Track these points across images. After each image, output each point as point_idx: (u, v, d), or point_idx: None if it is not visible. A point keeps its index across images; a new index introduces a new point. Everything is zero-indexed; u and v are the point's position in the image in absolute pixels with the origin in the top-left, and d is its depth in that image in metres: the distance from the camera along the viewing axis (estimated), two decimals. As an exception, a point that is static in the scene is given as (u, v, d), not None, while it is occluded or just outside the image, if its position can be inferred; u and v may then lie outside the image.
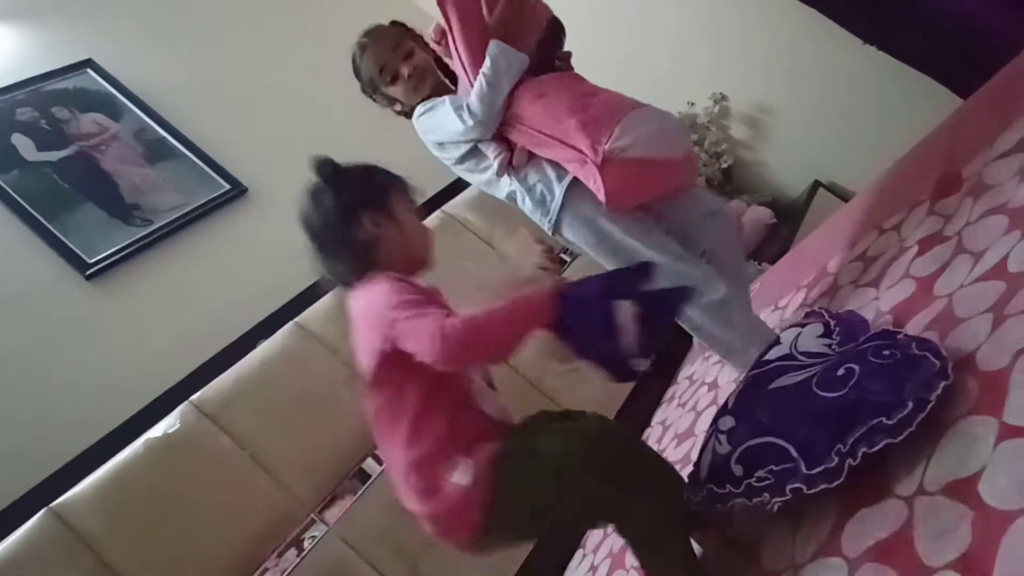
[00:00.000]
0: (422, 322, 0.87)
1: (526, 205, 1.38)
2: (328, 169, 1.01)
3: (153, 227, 2.10)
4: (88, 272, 1.93)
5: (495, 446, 0.92)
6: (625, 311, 0.88)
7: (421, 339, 0.87)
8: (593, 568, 1.51)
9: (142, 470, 1.59)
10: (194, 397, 1.76)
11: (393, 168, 1.08)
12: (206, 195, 2.24)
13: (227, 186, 2.28)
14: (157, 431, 1.67)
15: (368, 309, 0.94)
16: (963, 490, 0.70)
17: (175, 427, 1.68)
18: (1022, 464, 0.67)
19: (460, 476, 0.90)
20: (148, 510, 1.54)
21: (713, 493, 0.92)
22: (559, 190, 1.32)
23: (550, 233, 1.39)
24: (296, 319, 2.01)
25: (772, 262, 2.39)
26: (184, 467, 1.63)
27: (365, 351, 0.94)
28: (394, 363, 0.91)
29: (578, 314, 0.89)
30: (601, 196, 1.27)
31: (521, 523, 0.94)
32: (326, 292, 2.05)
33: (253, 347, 1.94)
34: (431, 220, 2.41)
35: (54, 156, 2.09)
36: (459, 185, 2.62)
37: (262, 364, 1.88)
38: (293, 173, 1.05)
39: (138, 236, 2.06)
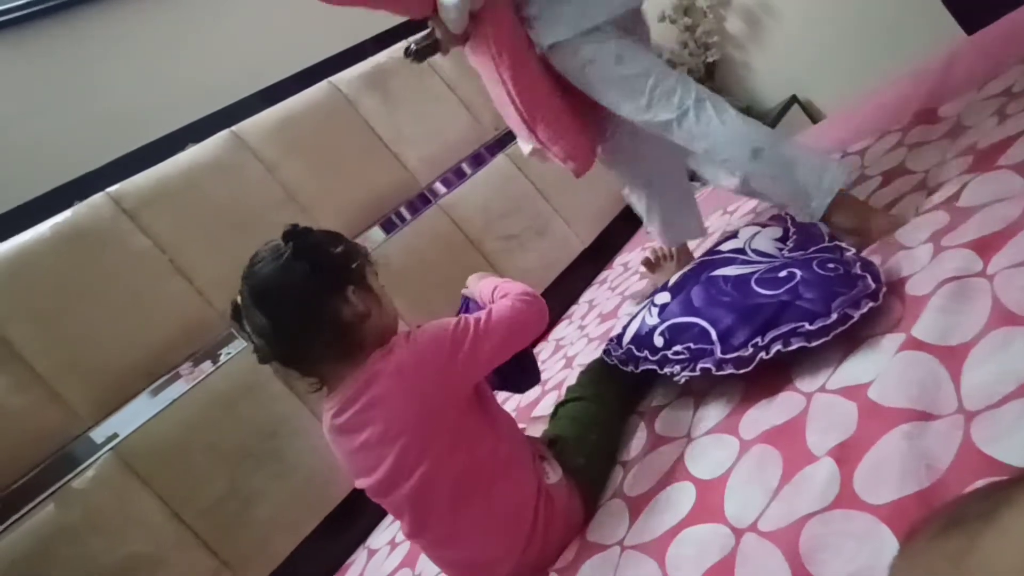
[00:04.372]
0: (505, 311, 0.93)
1: None
2: (301, 240, 0.90)
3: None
4: (-12, 22, 1.66)
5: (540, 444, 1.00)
6: None
7: (520, 320, 0.93)
8: (392, 544, 1.40)
9: (47, 254, 1.48)
10: (111, 189, 1.62)
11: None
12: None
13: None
14: (65, 218, 1.54)
15: (416, 365, 0.87)
16: (859, 393, 0.75)
17: (87, 217, 1.55)
18: (914, 372, 0.71)
19: (553, 474, 0.93)
20: (53, 295, 1.46)
21: (631, 354, 0.96)
22: None
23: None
24: (233, 128, 1.85)
25: (730, 170, 2.39)
26: (95, 260, 1.53)
27: (416, 419, 0.85)
28: (470, 409, 0.90)
29: None
30: None
31: (602, 457, 1.01)
32: (268, 106, 1.92)
33: (182, 149, 1.78)
34: (396, 49, 2.21)
35: None
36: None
37: (190, 168, 1.74)
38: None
39: (55, -10, 1.78)
